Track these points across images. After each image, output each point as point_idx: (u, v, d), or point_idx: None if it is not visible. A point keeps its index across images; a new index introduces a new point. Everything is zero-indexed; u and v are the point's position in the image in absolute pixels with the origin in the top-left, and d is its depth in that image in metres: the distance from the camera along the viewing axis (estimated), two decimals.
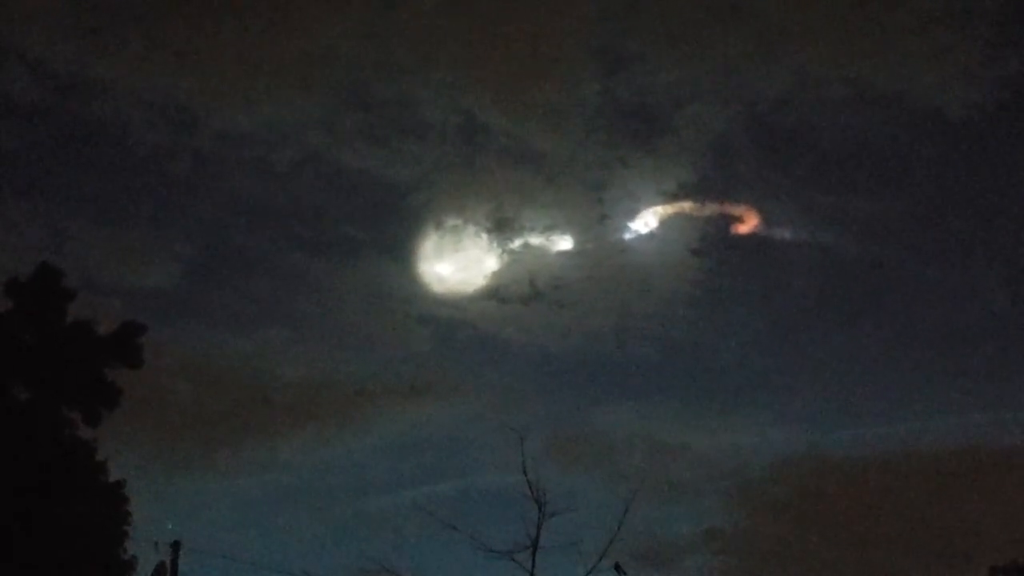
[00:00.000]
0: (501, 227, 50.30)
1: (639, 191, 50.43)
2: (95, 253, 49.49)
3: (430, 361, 52.17)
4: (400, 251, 52.22)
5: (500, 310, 51.29)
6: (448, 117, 51.23)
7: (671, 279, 51.02)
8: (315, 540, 45.89)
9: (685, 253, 50.61)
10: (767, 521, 48.34)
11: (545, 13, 50.42)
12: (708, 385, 53.55)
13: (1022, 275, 53.27)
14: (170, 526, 31.03)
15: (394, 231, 53.42)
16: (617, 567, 23.23)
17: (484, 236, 50.16)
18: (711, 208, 50.47)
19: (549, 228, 50.34)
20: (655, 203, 49.72)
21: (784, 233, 52.24)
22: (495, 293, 50.94)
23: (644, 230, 50.03)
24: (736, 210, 50.50)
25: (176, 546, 29.23)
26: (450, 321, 51.87)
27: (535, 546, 20.60)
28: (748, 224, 50.62)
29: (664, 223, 50.03)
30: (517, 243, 50.31)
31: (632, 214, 49.99)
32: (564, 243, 50.56)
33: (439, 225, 50.31)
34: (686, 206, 49.96)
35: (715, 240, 51.15)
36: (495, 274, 50.41)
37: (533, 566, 20.69)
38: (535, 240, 50.38)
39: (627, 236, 50.50)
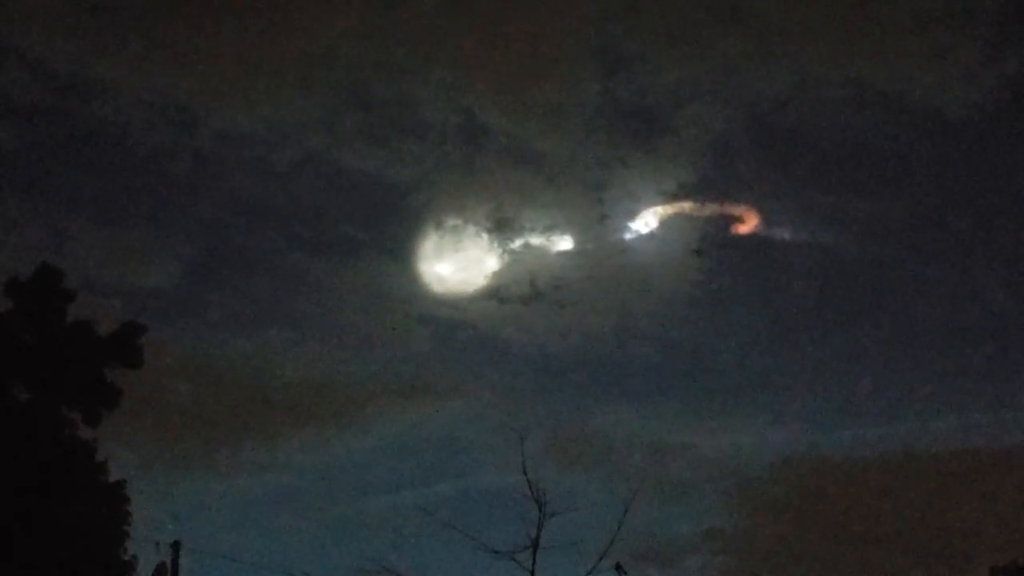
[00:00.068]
0: (501, 227, 50.33)
1: (639, 191, 50.46)
2: (95, 253, 49.50)
3: (430, 361, 52.22)
4: (400, 251, 52.24)
5: (500, 310, 51.32)
6: (448, 117, 51.29)
7: (671, 279, 51.06)
8: (315, 540, 45.93)
9: (685, 253, 50.61)
10: (767, 521, 48.38)
11: (545, 13, 50.47)
12: (708, 385, 53.56)
13: (1022, 275, 53.34)
14: (170, 526, 31.10)
15: (394, 231, 53.42)
16: (618, 567, 23.27)
17: (484, 236, 50.19)
18: (711, 208, 50.50)
19: (549, 228, 50.37)
20: (655, 203, 49.76)
21: (784, 233, 52.28)
22: (495, 293, 50.97)
23: (644, 230, 50.07)
24: (736, 210, 50.53)
25: (176, 546, 29.27)
26: (450, 321, 51.90)
27: (535, 546, 20.59)
28: (748, 224, 50.65)
29: (664, 223, 50.07)
30: (517, 243, 50.34)
31: (632, 214, 50.03)
32: (564, 243, 50.59)
33: (439, 225, 50.33)
34: (686, 206, 49.98)
35: (715, 240, 51.16)
36: (495, 274, 50.44)
37: (533, 566, 20.69)
38: (535, 240, 50.41)
39: (627, 236, 50.55)
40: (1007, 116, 51.24)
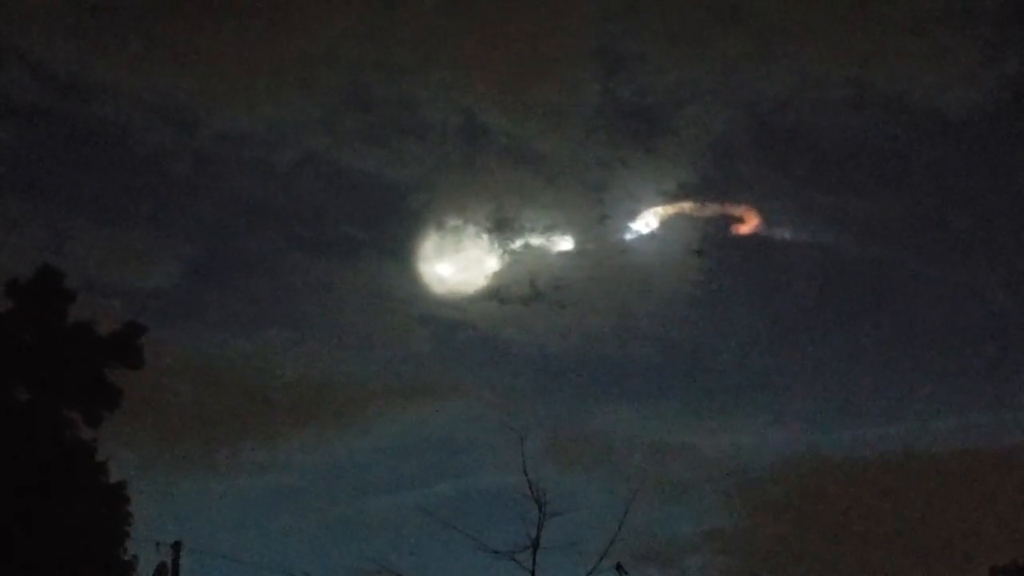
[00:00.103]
0: (502, 227, 50.34)
1: (639, 191, 50.49)
2: (95, 253, 49.52)
3: (430, 361, 52.26)
4: (400, 251, 52.27)
5: (501, 310, 51.34)
6: (448, 117, 51.32)
7: (672, 279, 51.07)
8: (316, 540, 45.95)
9: (686, 253, 50.66)
10: (767, 521, 48.39)
11: (545, 13, 50.49)
12: (709, 385, 53.60)
13: (1022, 275, 53.33)
14: (171, 526, 31.10)
15: (394, 231, 53.47)
16: (618, 567, 23.28)
17: (485, 236, 50.20)
18: (711, 208, 50.51)
19: (550, 228, 50.39)
20: (656, 203, 49.78)
21: (784, 233, 52.30)
22: (496, 293, 50.99)
23: (645, 230, 50.09)
24: (736, 210, 50.55)
25: (177, 546, 29.31)
26: (451, 321, 51.92)
27: (536, 546, 20.58)
28: (748, 224, 50.66)
29: (665, 223, 50.09)
30: (518, 243, 50.35)
31: (633, 214, 50.05)
32: (565, 243, 50.62)
33: (440, 225, 50.35)
34: (687, 206, 50.00)
35: (716, 240, 51.21)
36: (496, 274, 50.46)
37: (534, 566, 20.68)
38: (536, 240, 50.43)
39: (628, 236, 50.58)
40: (1007, 116, 51.35)
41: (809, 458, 49.60)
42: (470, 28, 50.78)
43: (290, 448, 49.13)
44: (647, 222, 49.81)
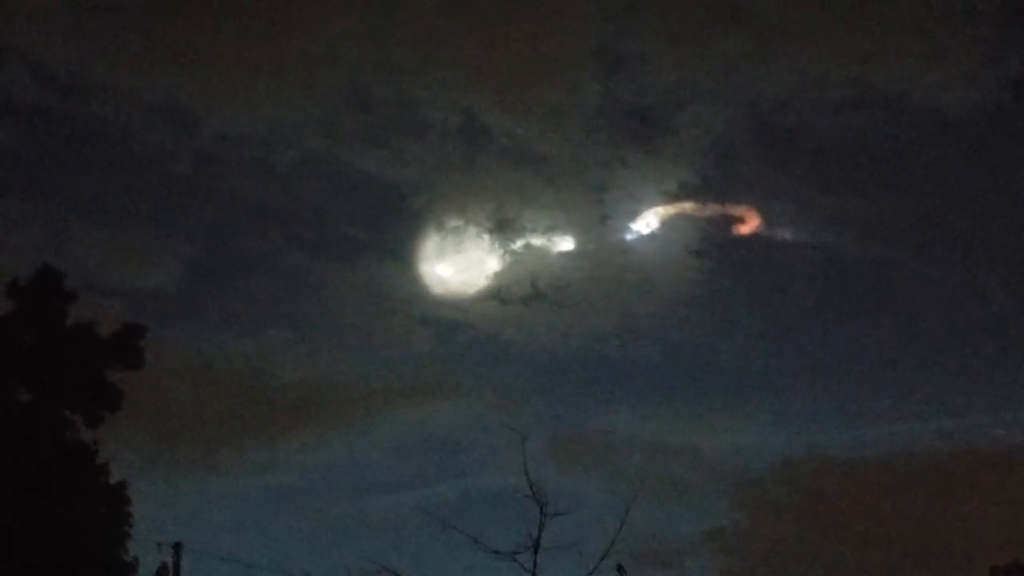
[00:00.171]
0: (502, 228, 50.37)
1: (640, 192, 50.54)
2: (95, 254, 49.58)
3: (431, 362, 52.29)
4: (401, 252, 52.32)
5: (501, 311, 51.37)
6: (448, 118, 51.36)
7: (672, 279, 51.10)
8: (316, 541, 45.96)
9: (686, 253, 50.74)
10: (768, 521, 48.40)
11: (545, 13, 50.52)
12: (709, 385, 53.67)
13: (1022, 275, 53.34)
14: (171, 527, 31.12)
15: (395, 232, 53.53)
16: (619, 568, 23.21)
17: (485, 237, 50.23)
18: (712, 208, 50.56)
19: (550, 229, 50.41)
20: (656, 204, 49.83)
21: (785, 233, 52.34)
22: (496, 294, 51.02)
23: (645, 231, 50.14)
24: (737, 210, 50.59)
25: (178, 547, 29.28)
26: (451, 322, 51.95)
27: (537, 547, 20.55)
28: (749, 224, 50.70)
29: (665, 224, 50.14)
30: (518, 244, 50.39)
31: (633, 215, 50.09)
32: (565, 244, 50.64)
33: (440, 226, 50.38)
34: (687, 206, 50.03)
35: (716, 240, 51.29)
36: (496, 275, 50.49)
37: (535, 567, 20.65)
38: (536, 241, 50.45)
39: (628, 237, 50.62)
40: (1007, 116, 51.43)
41: (809, 458, 49.68)
42: (470, 28, 50.89)
43: (290, 448, 49.18)
44: (648, 222, 49.90)
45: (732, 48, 51.41)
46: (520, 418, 46.32)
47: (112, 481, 27.82)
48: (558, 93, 51.58)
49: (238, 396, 49.54)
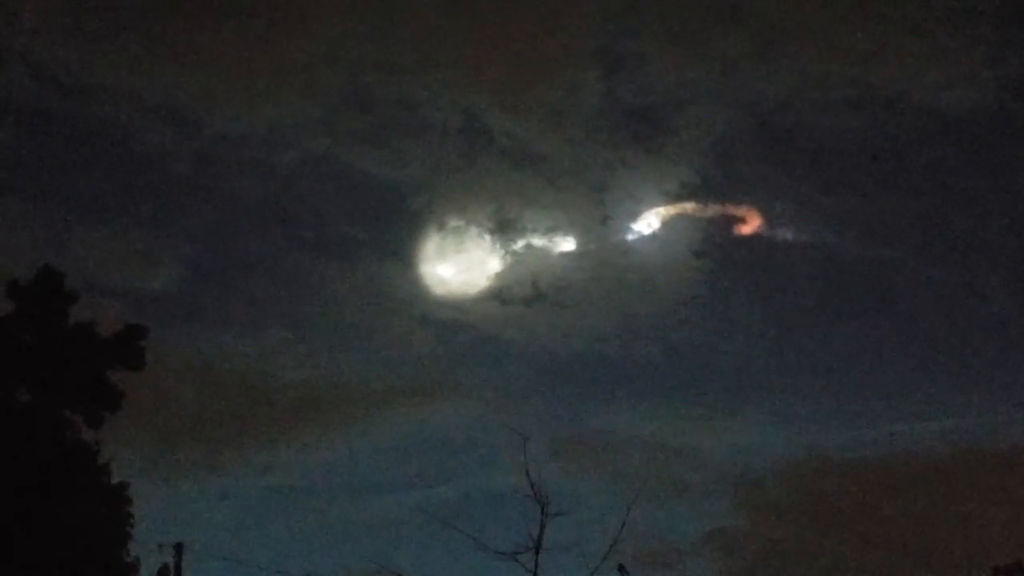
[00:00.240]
0: (503, 228, 50.31)
1: (641, 192, 50.46)
2: (96, 254, 49.46)
3: (432, 362, 52.18)
4: (402, 252, 52.22)
5: (502, 311, 51.28)
6: (449, 118, 51.27)
7: (673, 280, 51.05)
8: (317, 541, 45.92)
9: (687, 254, 50.65)
10: (769, 522, 48.34)
11: (546, 14, 50.47)
12: (710, 386, 53.55)
13: (1022, 275, 53.31)
14: (172, 528, 31.12)
15: (396, 232, 53.41)
16: (620, 568, 23.23)
17: (486, 237, 50.18)
18: (713, 209, 50.50)
19: (551, 229, 50.35)
20: (657, 204, 49.75)
21: (786, 233, 52.25)
22: (497, 294, 50.94)
23: (646, 231, 50.06)
24: (738, 211, 50.52)
25: (179, 548, 29.31)
26: (452, 323, 51.85)
27: (538, 547, 20.55)
28: (750, 225, 50.64)
29: (666, 224, 50.08)
30: (519, 244, 50.31)
31: (634, 215, 50.02)
32: (566, 244, 50.56)
33: (441, 226, 50.32)
34: (688, 207, 50.00)
35: (717, 241, 51.17)
36: (497, 275, 50.41)
37: (536, 567, 20.66)
38: (537, 241, 50.38)
39: (629, 237, 50.54)
40: (1007, 116, 51.31)
41: (810, 458, 49.58)
42: (471, 29, 50.83)
43: (291, 449, 49.08)
44: (649, 223, 49.84)
45: (732, 48, 51.43)
46: (521, 418, 46.07)
47: (114, 482, 27.87)
48: (558, 93, 51.61)
49: (238, 396, 49.54)
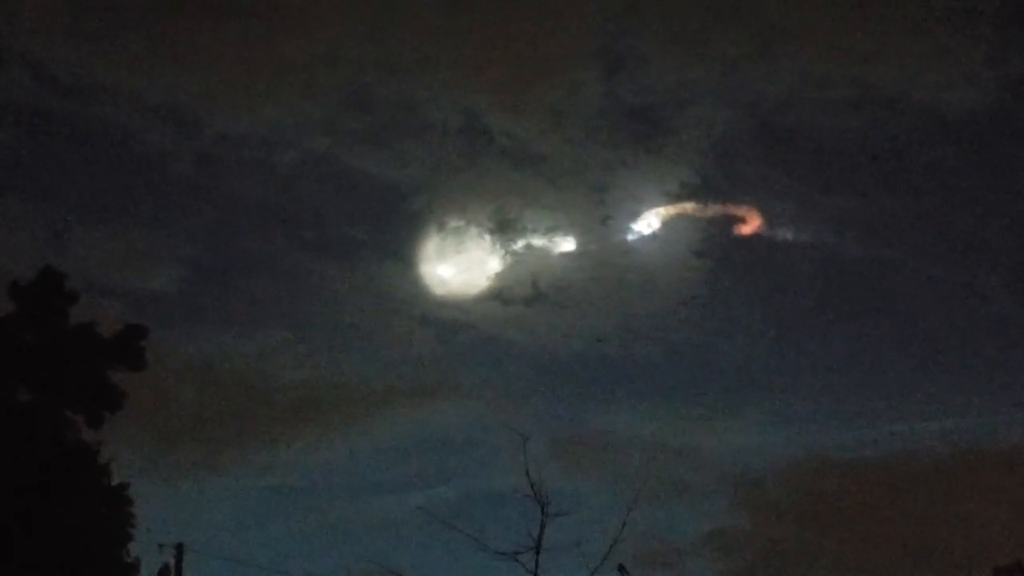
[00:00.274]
0: (503, 228, 50.28)
1: (641, 192, 50.44)
2: (96, 255, 49.44)
3: (432, 362, 52.17)
4: (402, 253, 52.19)
5: (503, 311, 51.26)
6: (449, 118, 51.20)
7: (674, 280, 51.03)
8: (317, 541, 45.95)
9: (688, 254, 50.63)
10: (770, 522, 48.35)
11: (546, 14, 50.43)
12: (711, 386, 53.50)
13: (1022, 275, 53.29)
14: (173, 528, 31.15)
15: (396, 233, 53.37)
16: (621, 568, 23.25)
17: (486, 238, 50.16)
18: (714, 209, 50.48)
19: (551, 229, 50.32)
20: (658, 204, 49.72)
21: (787, 234, 52.22)
22: (498, 295, 50.92)
23: (647, 231, 50.03)
24: (739, 211, 50.50)
25: (180, 548, 29.35)
26: (453, 323, 51.85)
27: (538, 547, 20.56)
28: (751, 225, 50.61)
29: (667, 224, 50.05)
30: (520, 244, 50.29)
31: (635, 215, 49.99)
32: (567, 244, 50.54)
33: (441, 227, 50.30)
34: (689, 207, 49.98)
35: (718, 241, 51.11)
36: (498, 276, 50.38)
37: (536, 567, 20.67)
38: (538, 241, 50.36)
39: (630, 237, 50.51)
40: (1007, 116, 51.28)
41: (811, 458, 49.56)
42: (471, 29, 50.80)
43: (291, 449, 49.07)
44: (649, 223, 49.81)
45: (732, 48, 51.37)
46: (521, 418, 45.95)
47: (114, 482, 27.88)
48: (559, 93, 51.59)
49: (239, 397, 49.54)
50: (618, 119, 52.29)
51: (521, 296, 50.99)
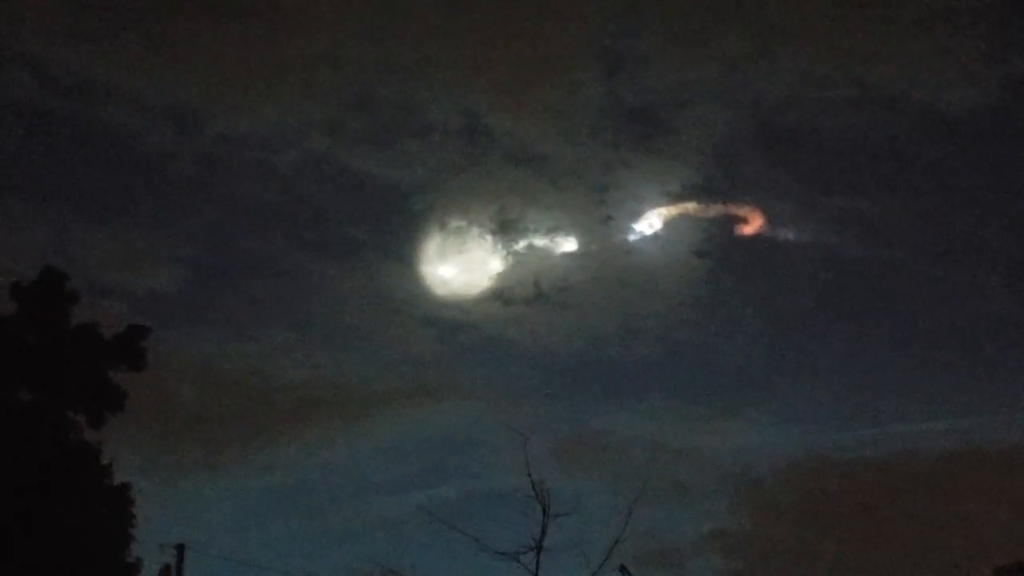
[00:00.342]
0: (505, 229, 50.35)
1: (643, 192, 50.54)
2: (97, 255, 49.58)
3: (433, 363, 52.26)
4: (404, 253, 52.26)
5: (504, 312, 51.35)
6: (451, 118, 51.35)
7: (675, 280, 51.11)
8: (317, 541, 45.99)
9: (689, 254, 50.75)
10: (771, 522, 48.38)
11: (547, 14, 50.55)
12: (712, 386, 53.66)
13: (1022, 275, 53.33)
14: (174, 528, 31.17)
15: (398, 233, 53.47)
16: (622, 569, 23.28)
17: (488, 238, 50.23)
18: (715, 209, 50.55)
19: (553, 230, 50.40)
20: (659, 204, 49.83)
21: (788, 234, 52.32)
22: (499, 295, 50.99)
23: (648, 231, 50.12)
24: (740, 211, 50.58)
25: (181, 548, 29.35)
26: (454, 323, 51.94)
27: (539, 548, 20.60)
28: (752, 225, 50.68)
29: (668, 224, 50.13)
30: (521, 245, 50.36)
31: (636, 215, 50.09)
32: (568, 244, 50.61)
33: (443, 227, 50.37)
34: (690, 207, 50.04)
35: (719, 241, 51.26)
36: (499, 276, 50.46)
37: (537, 568, 20.70)
38: (539, 242, 50.42)
39: (631, 237, 50.60)
40: (1007, 116, 51.40)
41: (811, 459, 49.66)
42: (472, 29, 50.86)
43: (292, 449, 49.17)
44: (651, 223, 49.89)
45: (733, 48, 51.50)
46: (522, 419, 45.83)
47: (116, 482, 27.86)
48: (560, 94, 51.71)
49: (240, 397, 49.60)
50: (619, 119, 52.45)
51: (522, 296, 51.10)
